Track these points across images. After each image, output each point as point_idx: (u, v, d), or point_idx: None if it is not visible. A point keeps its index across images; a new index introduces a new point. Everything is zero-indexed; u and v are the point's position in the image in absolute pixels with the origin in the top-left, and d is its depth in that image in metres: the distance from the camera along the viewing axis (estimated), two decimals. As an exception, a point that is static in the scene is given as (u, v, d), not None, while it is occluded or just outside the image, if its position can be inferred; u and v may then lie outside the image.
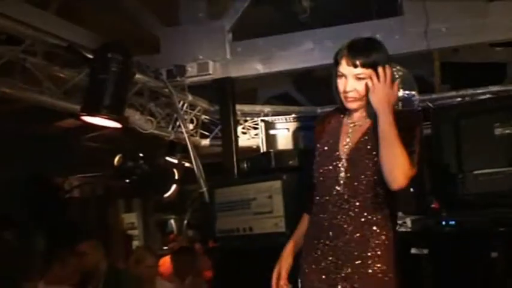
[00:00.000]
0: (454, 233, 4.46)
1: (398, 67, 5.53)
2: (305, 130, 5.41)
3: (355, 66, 2.67)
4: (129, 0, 5.29)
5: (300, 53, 5.20)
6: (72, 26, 4.63)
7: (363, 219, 2.69)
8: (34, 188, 7.70)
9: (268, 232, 4.21)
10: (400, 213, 4.32)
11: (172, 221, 10.54)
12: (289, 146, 5.45)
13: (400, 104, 5.37)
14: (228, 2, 5.39)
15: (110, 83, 4.21)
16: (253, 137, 6.34)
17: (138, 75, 4.84)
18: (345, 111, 2.85)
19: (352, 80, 2.69)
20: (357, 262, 2.66)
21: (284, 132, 5.57)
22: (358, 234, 2.68)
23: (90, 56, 4.34)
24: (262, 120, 5.68)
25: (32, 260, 6.82)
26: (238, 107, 5.74)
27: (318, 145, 2.87)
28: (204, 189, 4.81)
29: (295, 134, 5.50)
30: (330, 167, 2.76)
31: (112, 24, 5.45)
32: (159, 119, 5.45)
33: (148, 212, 9.65)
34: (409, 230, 4.35)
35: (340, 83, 2.73)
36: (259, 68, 5.25)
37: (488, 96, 6.05)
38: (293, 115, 5.76)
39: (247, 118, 6.43)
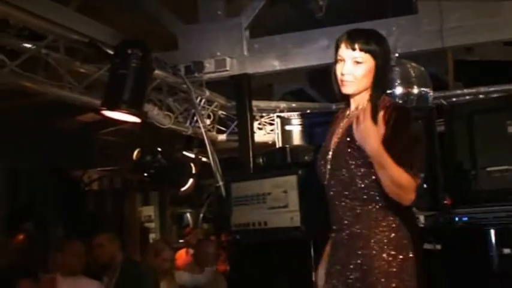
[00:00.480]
0: (467, 229, 4.46)
1: (413, 64, 5.53)
2: (320, 126, 5.41)
3: (354, 49, 2.67)
4: (149, -1, 5.32)
5: (316, 50, 5.20)
6: (93, 23, 4.66)
7: (358, 211, 2.67)
8: (54, 181, 7.77)
9: (283, 226, 4.19)
10: (413, 209, 4.33)
11: (188, 215, 10.60)
12: (304, 142, 5.46)
13: (415, 100, 5.38)
14: (246, 0, 5.41)
15: (130, 79, 4.23)
16: (268, 133, 6.36)
17: (157, 71, 4.87)
18: (347, 105, 2.83)
19: (349, 63, 2.68)
20: (362, 252, 2.65)
21: (299, 128, 5.58)
22: (357, 226, 2.66)
23: (111, 52, 4.36)
24: (278, 116, 5.69)
25: (51, 251, 6.89)
26: (254, 103, 5.75)
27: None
28: (221, 183, 4.82)
29: (310, 130, 5.50)
30: (322, 162, 2.78)
31: (131, 21, 5.49)
32: (177, 114, 5.48)
33: (165, 205, 9.69)
34: (421, 225, 4.35)
35: (338, 67, 2.72)
36: (275, 64, 5.26)
37: (500, 94, 6.03)
38: (308, 111, 5.77)
39: (263, 114, 6.45)
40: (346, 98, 2.81)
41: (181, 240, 8.90)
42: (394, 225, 2.63)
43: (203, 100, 5.64)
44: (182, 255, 6.84)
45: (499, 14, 4.77)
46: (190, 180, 5.62)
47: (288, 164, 4.39)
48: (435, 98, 5.83)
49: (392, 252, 2.60)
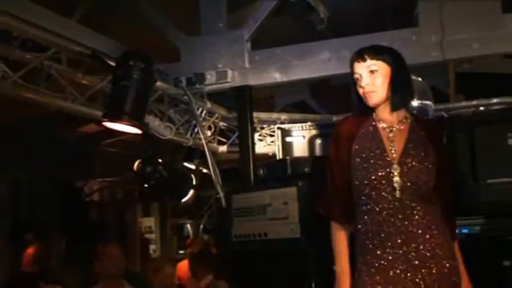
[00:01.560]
0: (467, 242, 4.46)
1: (413, 77, 5.56)
2: (321, 138, 5.44)
3: (365, 60, 2.77)
4: (151, 10, 5.36)
5: (317, 63, 5.22)
6: (96, 34, 4.71)
7: (427, 223, 2.73)
8: (55, 192, 7.80)
9: (284, 237, 4.21)
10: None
11: (188, 226, 10.61)
12: (305, 154, 5.47)
13: (415, 113, 5.40)
14: (247, 13, 5.45)
15: (132, 90, 4.26)
16: (269, 144, 6.38)
17: (158, 83, 4.89)
18: (371, 116, 2.88)
19: (365, 75, 2.77)
20: (432, 263, 2.69)
21: (300, 140, 5.60)
22: (427, 237, 2.71)
23: (113, 64, 4.40)
24: (278, 128, 5.71)
25: (52, 262, 6.92)
26: (255, 114, 5.77)
27: (357, 150, 2.84)
28: (221, 194, 4.84)
29: (311, 142, 5.52)
30: (382, 173, 2.74)
31: (134, 33, 5.53)
32: (178, 126, 5.50)
33: (165, 216, 9.71)
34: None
35: (358, 84, 2.81)
36: (276, 76, 5.28)
37: (502, 106, 6.06)
38: (309, 123, 5.79)
39: (264, 125, 6.48)
40: (369, 111, 2.88)
41: (181, 252, 8.92)
42: (448, 237, 2.82)
43: (204, 111, 5.66)
44: (184, 267, 6.84)
45: (500, 27, 4.79)
46: (191, 192, 5.64)
47: (288, 175, 4.41)
48: (436, 111, 5.86)
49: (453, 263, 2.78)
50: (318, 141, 5.54)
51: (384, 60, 2.78)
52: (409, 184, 2.71)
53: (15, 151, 6.70)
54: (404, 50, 4.89)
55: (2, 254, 6.82)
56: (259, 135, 6.46)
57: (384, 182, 2.73)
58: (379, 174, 2.74)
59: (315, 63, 5.24)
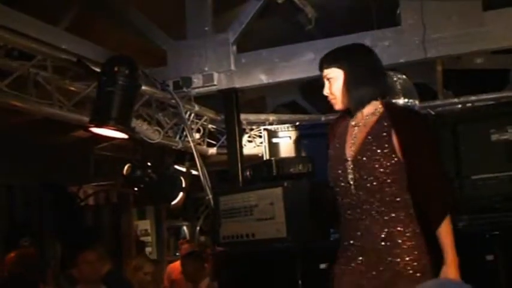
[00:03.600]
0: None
1: (399, 75, 5.65)
2: (307, 138, 5.50)
3: (322, 69, 2.90)
4: (138, 16, 5.44)
5: (302, 64, 5.29)
6: (81, 41, 4.78)
7: (386, 218, 2.76)
8: (50, 197, 7.86)
9: (270, 238, 4.27)
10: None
11: (185, 228, 10.69)
12: (291, 154, 5.54)
13: (391, 102, 5.48)
14: (233, 16, 5.53)
15: (117, 96, 4.32)
16: (258, 145, 6.45)
17: (145, 87, 4.97)
18: (350, 114, 2.96)
19: (326, 83, 2.89)
20: (387, 260, 2.74)
21: (286, 141, 5.68)
22: (384, 234, 2.76)
23: (98, 70, 4.48)
24: (265, 129, 5.78)
25: (48, 266, 6.99)
26: (244, 116, 5.84)
27: (329, 150, 2.99)
28: (210, 196, 4.92)
29: (297, 142, 5.59)
30: (340, 171, 2.85)
31: (121, 38, 5.61)
32: (167, 129, 5.58)
33: (161, 219, 9.78)
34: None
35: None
36: (262, 78, 5.35)
37: (489, 102, 6.11)
38: (296, 123, 5.86)
39: (253, 127, 6.55)
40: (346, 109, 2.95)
41: (178, 254, 9.00)
42: (417, 230, 2.77)
43: (192, 114, 5.74)
44: (177, 268, 6.93)
45: (482, 25, 4.84)
46: (181, 194, 5.72)
47: (274, 176, 4.48)
48: (422, 108, 5.94)
49: (414, 258, 2.74)
50: (304, 142, 5.61)
51: (337, 66, 2.84)
52: (364, 180, 2.78)
53: (10, 157, 6.77)
54: (388, 49, 5.07)
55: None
56: (249, 137, 6.54)
57: (341, 178, 2.84)
58: (338, 171, 2.87)
59: (300, 64, 5.31)
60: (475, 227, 4.51)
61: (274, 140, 5.68)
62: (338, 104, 2.88)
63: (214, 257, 4.93)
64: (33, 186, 7.62)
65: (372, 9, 5.74)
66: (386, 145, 2.78)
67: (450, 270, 2.73)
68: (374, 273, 2.76)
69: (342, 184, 2.84)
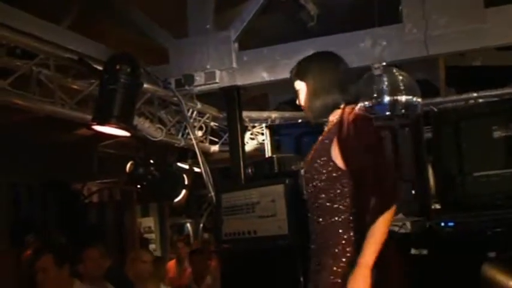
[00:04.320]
0: (453, 234, 4.55)
1: (402, 72, 5.63)
2: (309, 136, 5.50)
3: (291, 81, 2.99)
4: (139, 14, 5.45)
5: (304, 61, 5.27)
6: (83, 39, 4.80)
7: (324, 223, 2.83)
8: (55, 194, 7.90)
9: (272, 235, 4.29)
10: (400, 215, 4.43)
11: (188, 225, 10.72)
12: (293, 152, 5.55)
13: (403, 109, 5.48)
14: (234, 13, 5.53)
15: (119, 94, 4.35)
16: (261, 143, 6.46)
17: (147, 85, 4.99)
18: None
19: (298, 95, 2.97)
20: (327, 264, 2.79)
21: (288, 138, 5.68)
22: (322, 240, 2.84)
23: (100, 68, 4.49)
24: (267, 127, 5.79)
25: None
26: (246, 113, 5.84)
27: None
28: (212, 193, 4.93)
29: (299, 140, 5.60)
30: (302, 179, 2.99)
31: (123, 36, 5.62)
32: (169, 127, 5.60)
33: (164, 216, 9.80)
34: (408, 231, 4.45)
35: None
36: (264, 76, 5.35)
37: (491, 99, 6.08)
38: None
39: (255, 124, 6.56)
40: None
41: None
42: (352, 237, 2.75)
43: (194, 112, 5.75)
44: (172, 267, 6.96)
45: (484, 21, 4.83)
46: (183, 191, 5.74)
47: (276, 173, 4.49)
48: (425, 105, 5.91)
49: (337, 270, 2.73)
50: (306, 140, 5.61)
51: (301, 79, 2.90)
52: (307, 188, 2.89)
53: (13, 155, 6.80)
54: (390, 47, 5.07)
55: (2, 255, 6.92)
56: (251, 134, 6.55)
57: (302, 187, 2.97)
58: (302, 180, 2.98)
59: None
60: (477, 224, 4.51)
61: (276, 138, 5.69)
62: (308, 115, 2.96)
63: (218, 254, 4.93)
64: (37, 184, 7.65)
65: (373, 7, 5.73)
66: (325, 152, 2.83)
67: (360, 271, 2.62)
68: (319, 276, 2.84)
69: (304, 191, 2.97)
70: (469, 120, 4.92)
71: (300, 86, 2.89)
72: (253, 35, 5.67)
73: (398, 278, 2.76)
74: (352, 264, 2.66)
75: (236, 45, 5.40)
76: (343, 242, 2.75)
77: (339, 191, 2.76)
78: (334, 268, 2.72)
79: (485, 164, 4.75)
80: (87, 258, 4.86)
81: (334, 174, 2.76)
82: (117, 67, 4.37)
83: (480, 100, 5.97)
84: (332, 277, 2.71)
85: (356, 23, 5.34)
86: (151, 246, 9.56)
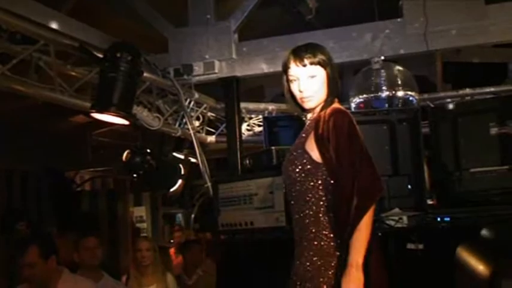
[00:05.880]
0: (449, 229, 4.57)
1: (399, 67, 5.68)
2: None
3: (304, 65, 2.82)
4: (140, 3, 5.45)
5: (303, 53, 5.28)
6: (84, 26, 4.79)
7: (301, 216, 2.85)
8: (48, 182, 7.88)
9: (269, 226, 4.32)
10: (396, 209, 4.46)
11: (180, 215, 10.74)
12: (291, 143, 5.57)
13: (400, 103, 5.52)
14: (235, 4, 5.54)
15: (119, 82, 4.36)
16: (257, 134, 6.49)
17: (146, 74, 4.99)
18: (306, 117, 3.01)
19: (304, 80, 2.83)
20: (305, 264, 2.83)
21: (286, 130, 5.70)
22: (301, 235, 2.86)
23: (100, 56, 4.49)
24: (265, 118, 5.81)
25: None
26: (243, 104, 5.86)
27: None
28: (209, 184, 4.95)
29: (297, 132, 5.61)
30: (284, 176, 2.98)
31: (123, 25, 5.62)
32: (167, 116, 5.61)
33: (157, 205, 9.80)
34: (405, 226, 4.47)
35: (294, 87, 2.87)
36: (263, 67, 5.38)
37: (488, 96, 6.15)
38: (296, 113, 5.87)
39: (252, 116, 6.58)
40: (306, 110, 2.97)
41: (173, 241, 9.04)
42: (328, 233, 2.76)
43: (192, 102, 5.77)
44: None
45: (484, 18, 4.87)
46: (179, 181, 5.75)
47: (274, 165, 4.51)
48: (422, 100, 5.97)
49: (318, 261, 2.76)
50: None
51: (321, 65, 2.84)
52: (287, 184, 2.91)
53: (7, 141, 6.78)
54: (390, 41, 5.11)
55: (-7, 242, 6.93)
56: (248, 125, 6.57)
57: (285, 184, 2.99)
58: (283, 176, 2.99)
59: None
60: (473, 220, 4.54)
61: (275, 129, 5.71)
62: (313, 103, 2.86)
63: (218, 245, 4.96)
64: (30, 171, 7.63)
65: (373, 0, 5.76)
66: (301, 145, 2.86)
67: (352, 270, 2.64)
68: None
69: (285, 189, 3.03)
70: (466, 116, 4.94)
71: (317, 72, 2.83)
72: (252, 28, 5.69)
73: (378, 275, 2.81)
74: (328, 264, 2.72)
75: (236, 35, 5.42)
76: (312, 235, 2.77)
77: (312, 183, 2.77)
78: (306, 261, 2.77)
79: (482, 160, 4.77)
80: (83, 247, 4.86)
81: (308, 167, 2.78)
82: (118, 55, 4.38)
83: (477, 97, 6.02)
84: (310, 274, 2.75)
85: (356, 17, 5.36)
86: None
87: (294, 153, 2.86)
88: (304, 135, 2.90)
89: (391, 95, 5.33)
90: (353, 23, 5.26)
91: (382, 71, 5.32)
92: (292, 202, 2.89)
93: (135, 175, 5.61)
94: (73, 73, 4.82)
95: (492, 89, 6.18)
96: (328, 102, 2.86)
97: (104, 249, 5.24)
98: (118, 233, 8.70)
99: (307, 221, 2.79)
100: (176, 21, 5.55)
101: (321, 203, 2.77)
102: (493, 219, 4.48)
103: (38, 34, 4.32)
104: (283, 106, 6.64)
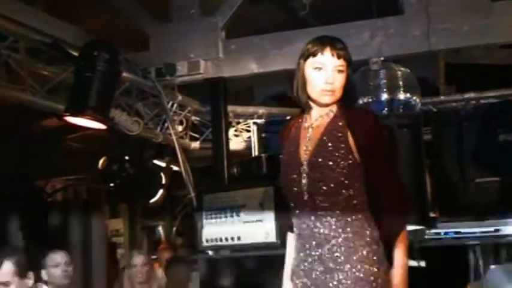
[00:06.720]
0: (454, 245, 4.60)
1: (401, 68, 5.70)
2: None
3: (339, 57, 2.79)
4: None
5: (296, 52, 5.14)
6: (59, 22, 4.77)
7: (342, 222, 2.78)
8: (15, 191, 7.84)
9: (258, 242, 4.32)
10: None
11: (160, 228, 10.70)
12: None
13: (401, 107, 5.54)
14: (222, -1, 5.56)
15: (96, 82, 4.36)
16: (246, 140, 6.49)
17: (125, 74, 4.99)
18: (303, 115, 2.95)
19: (331, 72, 2.78)
20: (346, 267, 2.76)
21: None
22: (340, 239, 2.78)
23: (76, 54, 4.49)
24: (254, 123, 5.82)
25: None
26: (230, 108, 5.86)
27: (281, 155, 2.99)
28: (192, 194, 4.95)
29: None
30: (294, 176, 2.85)
31: (101, 20, 5.61)
32: (147, 120, 5.61)
33: (135, 217, 9.77)
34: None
35: (319, 76, 2.80)
36: (253, 67, 5.38)
37: (495, 100, 6.16)
38: (287, 117, 5.88)
39: (240, 120, 6.59)
40: (308, 107, 2.91)
41: (153, 257, 9.00)
42: (375, 235, 2.79)
43: (175, 105, 5.77)
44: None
45: (489, 16, 4.91)
46: (160, 191, 5.76)
47: (264, 174, 4.51)
48: (424, 104, 5.99)
49: (374, 269, 2.74)
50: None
51: (348, 63, 2.86)
52: (317, 184, 2.80)
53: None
54: (389, 40, 5.14)
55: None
56: (235, 131, 6.57)
57: (294, 184, 2.85)
58: (291, 177, 2.87)
59: (294, 53, 5.19)
60: (479, 235, 4.58)
61: (265, 135, 5.73)
62: (333, 99, 2.86)
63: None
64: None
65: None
66: (342, 145, 2.81)
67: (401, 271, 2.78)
68: (335, 282, 2.81)
69: (295, 189, 2.84)
70: (473, 122, 5.00)
71: (344, 68, 2.80)
72: (240, 25, 5.70)
73: None
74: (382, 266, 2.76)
75: (223, 33, 5.43)
76: (366, 240, 2.78)
77: (359, 186, 2.79)
78: (363, 266, 2.75)
79: (489, 169, 4.81)
80: (52, 263, 4.84)
81: (354, 168, 2.79)
82: (95, 53, 4.39)
83: (485, 101, 6.04)
84: (364, 276, 2.75)
85: (353, 13, 5.39)
86: (120, 252, 9.53)
87: (335, 152, 2.79)
88: (339, 134, 2.84)
89: (391, 98, 5.34)
90: (350, 20, 5.28)
91: (382, 72, 5.34)
92: (327, 210, 2.81)
93: (111, 184, 5.60)
94: (45, 72, 4.80)
95: (500, 93, 6.19)
96: (347, 103, 2.89)
97: (76, 266, 5.22)
98: (92, 248, 8.66)
99: (353, 228, 2.78)
100: (159, 16, 5.55)
101: (366, 206, 2.82)
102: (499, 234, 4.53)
103: (7, 30, 4.31)
104: (274, 110, 6.67)
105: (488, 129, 4.97)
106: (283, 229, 4.06)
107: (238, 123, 6.60)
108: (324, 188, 2.79)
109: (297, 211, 2.88)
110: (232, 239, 4.45)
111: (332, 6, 6.10)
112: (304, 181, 2.82)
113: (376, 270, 2.75)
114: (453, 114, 5.54)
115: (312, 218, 2.82)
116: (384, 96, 5.38)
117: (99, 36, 4.73)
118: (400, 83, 5.50)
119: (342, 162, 2.78)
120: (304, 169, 2.83)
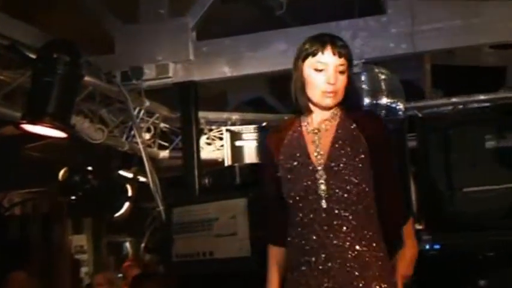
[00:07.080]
0: (439, 258, 4.64)
1: (383, 70, 5.74)
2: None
3: (340, 56, 2.79)
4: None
5: (272, 55, 5.34)
6: (16, 22, 4.75)
7: (358, 233, 2.77)
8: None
9: (232, 257, 4.32)
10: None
11: (127, 244, 10.65)
12: (257, 160, 5.59)
13: (383, 112, 5.58)
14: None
15: (55, 87, 4.34)
16: (218, 149, 6.49)
17: (88, 78, 4.97)
18: (297, 119, 2.93)
19: (332, 72, 2.78)
20: (360, 284, 2.74)
21: (252, 144, 5.73)
22: (356, 253, 2.76)
23: (34, 56, 4.47)
24: (227, 130, 5.82)
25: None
26: (202, 114, 5.86)
27: (281, 161, 2.94)
28: (161, 207, 4.94)
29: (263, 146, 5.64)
30: (308, 183, 2.82)
31: (62, 20, 5.58)
32: (112, 128, 5.59)
33: (100, 233, 9.72)
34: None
35: (319, 77, 2.79)
36: (226, 70, 5.40)
37: (483, 104, 6.21)
38: (263, 124, 5.91)
39: (213, 127, 6.58)
40: (308, 111, 2.90)
41: (119, 275, 8.96)
42: (383, 246, 2.82)
43: (142, 111, 5.75)
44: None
45: (477, 16, 4.96)
46: (126, 204, 5.74)
47: (237, 185, 4.52)
48: (408, 109, 6.03)
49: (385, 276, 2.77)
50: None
51: (349, 63, 2.86)
52: (337, 190, 2.79)
53: None
54: (371, 41, 5.18)
55: None
56: (207, 138, 6.57)
57: (309, 191, 2.82)
58: (304, 184, 2.84)
59: (270, 56, 5.36)
60: (467, 247, 4.62)
61: (238, 143, 5.73)
62: (334, 101, 2.86)
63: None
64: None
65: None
66: (360, 150, 2.82)
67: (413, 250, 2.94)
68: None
69: (310, 198, 2.82)
70: (459, 128, 5.04)
71: (345, 69, 2.80)
72: (212, 25, 5.71)
73: None
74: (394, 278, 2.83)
75: (194, 34, 5.43)
76: (380, 254, 2.81)
77: (371, 192, 2.82)
78: (379, 279, 2.76)
79: (477, 178, 4.86)
80: (12, 282, 4.82)
81: (369, 175, 2.81)
82: (54, 56, 4.37)
83: (471, 105, 6.08)
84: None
85: (333, 13, 5.42)
86: (83, 270, 9.48)
87: (356, 158, 2.80)
88: (354, 132, 2.86)
89: (373, 102, 5.38)
90: (329, 20, 5.31)
91: (363, 75, 5.37)
92: (343, 220, 2.80)
93: (73, 197, 5.56)
94: (1, 77, 4.76)
95: (488, 97, 6.23)
96: (348, 106, 2.90)
97: (36, 284, 5.19)
98: (53, 265, 8.61)
99: (368, 240, 2.78)
100: (125, 17, 5.54)
101: (376, 215, 2.85)
102: (490, 247, 4.57)
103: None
104: (248, 116, 6.67)
105: (476, 135, 5.01)
106: (259, 242, 4.12)
107: (210, 130, 6.59)
108: (345, 195, 2.79)
109: (305, 220, 2.83)
110: (204, 254, 4.46)
111: (310, 5, 6.13)
112: (323, 187, 2.80)
113: (387, 283, 2.75)
114: (440, 120, 5.57)
115: (325, 227, 2.79)
116: (366, 101, 5.41)
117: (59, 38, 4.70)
118: (383, 86, 5.54)
119: (361, 165, 2.79)
120: (320, 175, 2.81)
